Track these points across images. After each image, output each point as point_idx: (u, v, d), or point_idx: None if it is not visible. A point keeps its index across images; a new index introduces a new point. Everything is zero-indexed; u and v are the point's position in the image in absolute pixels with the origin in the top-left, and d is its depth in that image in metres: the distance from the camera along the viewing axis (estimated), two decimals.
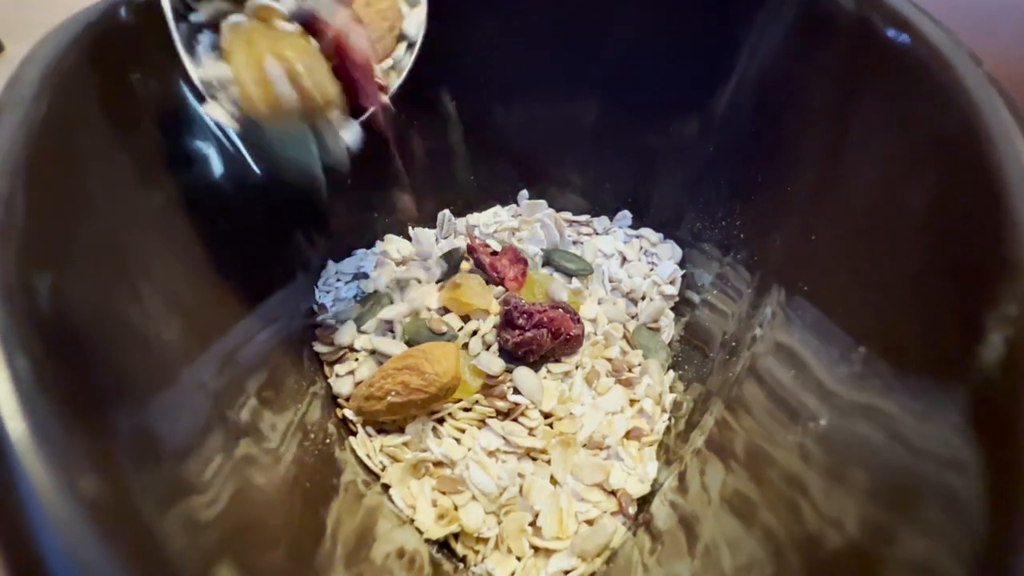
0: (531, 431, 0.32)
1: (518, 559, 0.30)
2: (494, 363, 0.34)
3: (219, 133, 0.37)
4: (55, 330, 0.19)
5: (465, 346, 0.35)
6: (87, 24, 0.28)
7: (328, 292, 0.44)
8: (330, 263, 0.45)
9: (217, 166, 0.36)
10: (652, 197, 0.46)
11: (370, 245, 0.47)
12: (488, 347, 0.36)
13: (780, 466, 0.24)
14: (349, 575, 0.28)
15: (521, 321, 0.33)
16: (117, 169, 0.29)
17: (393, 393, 0.31)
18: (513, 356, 0.34)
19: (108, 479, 0.17)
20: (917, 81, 0.24)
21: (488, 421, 0.32)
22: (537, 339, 0.33)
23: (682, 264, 0.44)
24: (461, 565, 0.30)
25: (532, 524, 0.30)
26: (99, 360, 0.22)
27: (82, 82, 0.28)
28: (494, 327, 0.35)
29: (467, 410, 0.33)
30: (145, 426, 0.23)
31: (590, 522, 0.30)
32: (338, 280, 0.44)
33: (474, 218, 0.48)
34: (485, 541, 0.30)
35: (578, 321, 0.37)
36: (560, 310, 0.36)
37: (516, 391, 0.34)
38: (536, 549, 0.30)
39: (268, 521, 0.27)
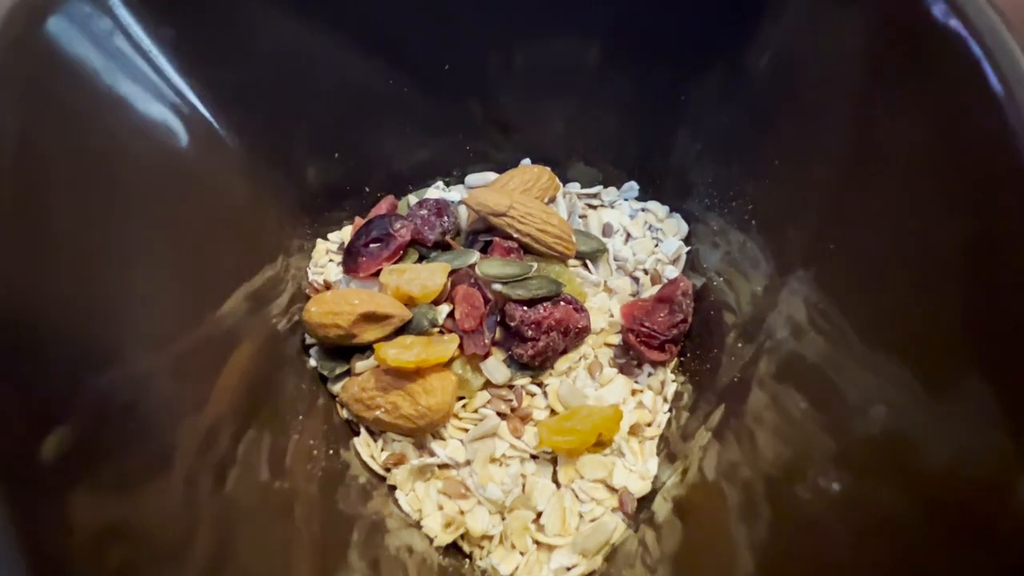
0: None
1: (521, 554, 0.31)
2: (500, 372, 0.33)
3: (183, 104, 0.34)
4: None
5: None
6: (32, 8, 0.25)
7: (320, 273, 0.42)
8: (319, 242, 0.43)
9: (183, 137, 0.33)
10: (659, 168, 0.43)
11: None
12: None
13: (795, 459, 0.24)
14: (366, 559, 0.29)
15: (531, 333, 0.33)
16: (85, 157, 0.27)
17: (382, 410, 0.31)
18: (527, 366, 0.34)
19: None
20: (959, 79, 0.21)
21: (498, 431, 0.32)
22: (551, 345, 0.33)
23: (688, 240, 0.43)
24: (467, 561, 0.31)
25: (535, 521, 0.31)
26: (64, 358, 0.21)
27: (38, 69, 0.25)
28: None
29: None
30: (123, 433, 0.23)
31: (592, 519, 0.31)
32: (330, 260, 0.43)
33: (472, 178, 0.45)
34: (490, 538, 0.31)
35: (582, 309, 0.36)
36: (562, 303, 0.35)
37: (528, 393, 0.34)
38: (539, 544, 0.31)
39: (279, 513, 0.28)
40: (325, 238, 0.44)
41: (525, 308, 0.34)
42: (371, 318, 0.33)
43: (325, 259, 0.43)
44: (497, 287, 0.35)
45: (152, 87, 0.32)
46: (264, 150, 0.39)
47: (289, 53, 0.38)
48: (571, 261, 0.40)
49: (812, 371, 0.23)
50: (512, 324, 0.33)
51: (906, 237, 0.22)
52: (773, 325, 0.29)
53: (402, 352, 0.31)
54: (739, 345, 0.32)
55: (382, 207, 0.42)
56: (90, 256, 0.25)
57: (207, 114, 0.36)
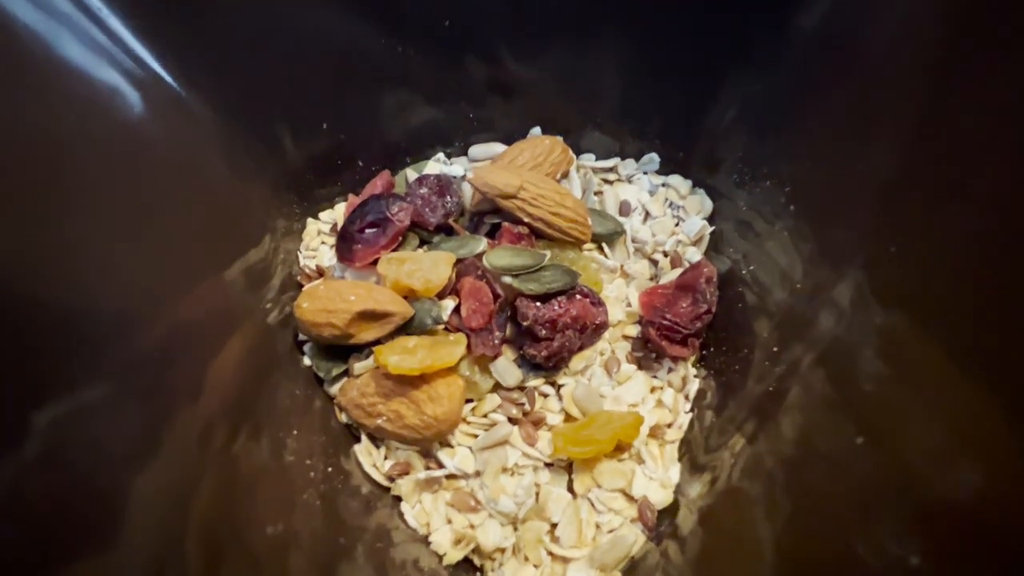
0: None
1: (535, 567, 0.29)
2: (510, 374, 0.30)
3: (138, 69, 0.29)
4: None
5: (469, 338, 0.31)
6: None
7: (312, 257, 0.39)
8: (310, 222, 0.40)
9: (138, 107, 0.29)
10: (684, 138, 0.39)
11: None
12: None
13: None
14: (372, 563, 0.28)
15: (544, 333, 0.30)
16: (18, 135, 0.23)
17: (384, 419, 0.29)
18: (541, 366, 0.31)
19: None
20: None
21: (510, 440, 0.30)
22: (567, 345, 0.30)
23: (711, 219, 0.39)
24: (478, 574, 0.30)
25: (550, 532, 0.29)
26: None
27: None
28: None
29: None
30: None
31: (610, 530, 0.29)
32: (322, 242, 0.39)
33: (476, 149, 0.41)
34: (502, 550, 0.29)
35: (599, 303, 0.33)
36: (578, 296, 0.32)
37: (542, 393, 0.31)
38: (553, 556, 0.29)
39: (278, 517, 0.26)
40: (316, 218, 0.40)
41: (538, 305, 0.31)
42: (369, 316, 0.30)
43: (317, 241, 0.39)
44: (507, 280, 0.31)
45: (101, 51, 0.27)
46: (239, 120, 0.34)
47: (265, 9, 0.33)
48: (586, 244, 0.37)
49: (872, 400, 0.21)
50: (525, 323, 0.30)
51: (1002, 254, 0.18)
52: (820, 331, 0.26)
53: (405, 358, 0.28)
54: (775, 349, 0.29)
55: (377, 185, 0.38)
56: (30, 246, 0.22)
57: (169, 80, 0.31)
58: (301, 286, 0.37)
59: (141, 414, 0.24)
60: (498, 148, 0.40)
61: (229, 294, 0.32)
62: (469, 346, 0.30)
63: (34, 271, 0.22)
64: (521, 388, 0.32)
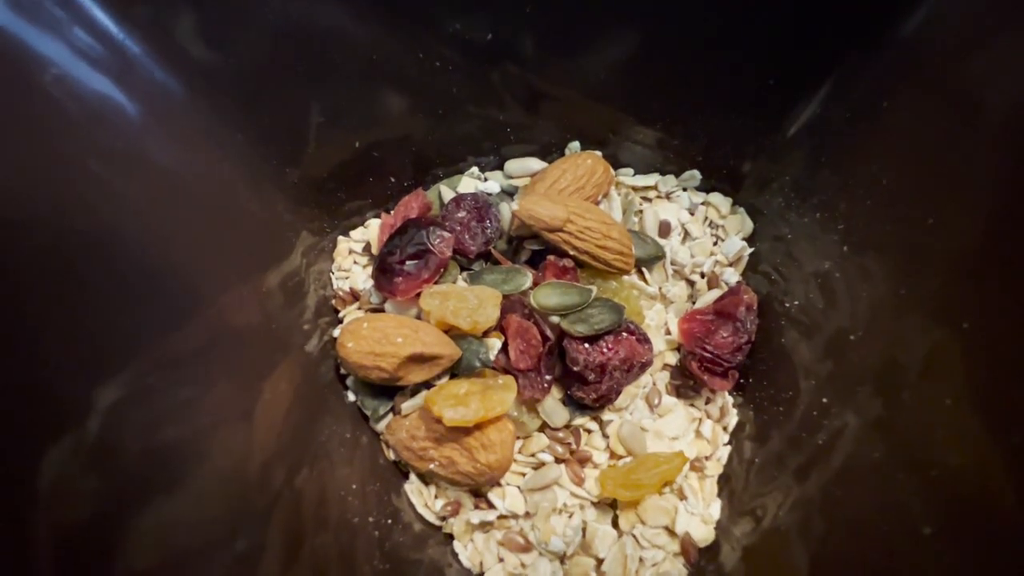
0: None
1: None
2: (558, 415, 0.30)
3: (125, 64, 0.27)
4: None
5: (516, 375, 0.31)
6: None
7: (345, 278, 0.38)
8: (340, 240, 0.38)
9: (129, 107, 0.27)
10: (728, 156, 0.38)
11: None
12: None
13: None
14: None
15: (593, 377, 0.29)
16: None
17: (436, 464, 0.29)
18: (588, 406, 0.31)
19: None
20: None
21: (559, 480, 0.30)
22: (615, 387, 0.30)
23: (750, 239, 0.38)
24: None
25: (596, 567, 0.31)
26: None
27: None
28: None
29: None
30: None
31: (654, 564, 0.31)
32: (355, 262, 0.38)
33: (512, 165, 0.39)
34: None
35: (645, 340, 0.33)
36: (625, 335, 0.32)
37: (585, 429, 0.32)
38: None
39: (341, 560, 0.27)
40: (347, 235, 0.39)
41: (588, 348, 0.30)
42: (418, 359, 0.30)
43: (349, 261, 0.38)
44: (554, 319, 0.31)
45: (100, 58, 0.25)
46: (256, 123, 0.32)
47: (289, 13, 0.30)
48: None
49: (934, 480, 0.21)
50: (576, 368, 0.30)
51: None
52: (875, 391, 0.26)
53: (459, 409, 0.28)
54: (824, 400, 0.29)
55: (412, 206, 0.37)
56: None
57: (165, 76, 0.28)
58: (336, 310, 0.37)
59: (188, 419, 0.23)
60: (535, 164, 0.38)
61: (268, 307, 0.31)
62: (517, 387, 0.30)
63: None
64: (567, 426, 0.32)
